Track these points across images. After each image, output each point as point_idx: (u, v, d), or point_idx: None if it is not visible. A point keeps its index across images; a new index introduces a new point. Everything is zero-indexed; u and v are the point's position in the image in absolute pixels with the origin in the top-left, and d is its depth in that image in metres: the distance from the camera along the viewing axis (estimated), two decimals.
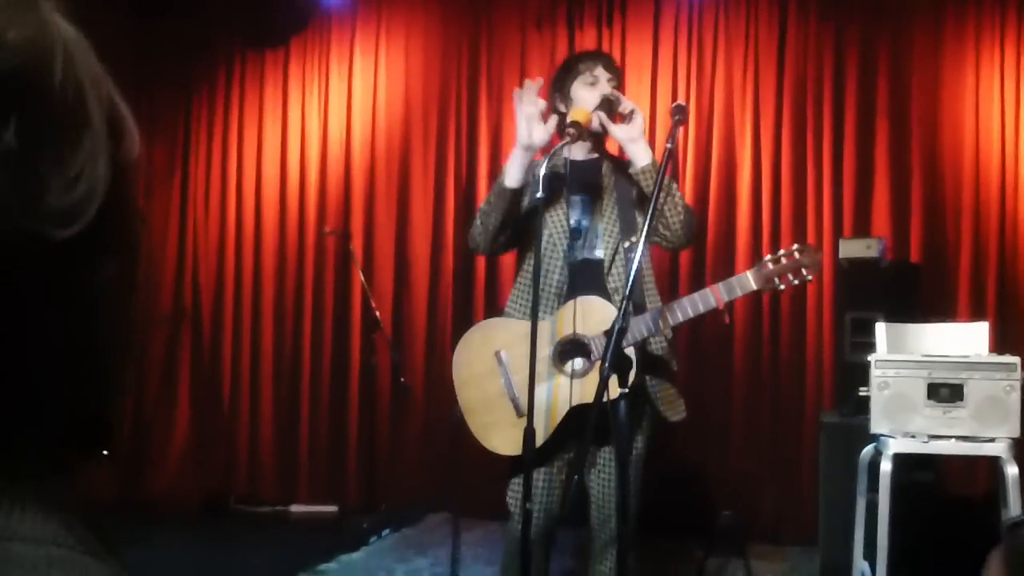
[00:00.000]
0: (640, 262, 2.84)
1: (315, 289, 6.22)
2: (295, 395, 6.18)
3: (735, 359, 5.49)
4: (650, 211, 2.46)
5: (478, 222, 2.94)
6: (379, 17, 6.23)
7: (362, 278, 5.64)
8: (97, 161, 0.56)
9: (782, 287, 2.73)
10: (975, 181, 5.28)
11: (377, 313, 5.44)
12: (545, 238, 2.88)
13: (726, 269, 5.49)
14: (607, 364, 2.30)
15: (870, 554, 3.64)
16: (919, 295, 4.86)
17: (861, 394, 3.74)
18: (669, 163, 2.54)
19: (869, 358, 3.67)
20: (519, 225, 2.93)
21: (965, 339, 3.78)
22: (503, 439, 2.83)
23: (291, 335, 6.23)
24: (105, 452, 0.63)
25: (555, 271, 2.88)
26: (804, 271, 2.71)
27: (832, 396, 5.12)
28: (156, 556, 4.82)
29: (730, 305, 2.76)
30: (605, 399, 2.28)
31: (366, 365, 5.88)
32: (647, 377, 2.84)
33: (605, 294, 2.83)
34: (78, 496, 0.60)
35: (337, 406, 6.12)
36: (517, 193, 2.84)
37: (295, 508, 6.00)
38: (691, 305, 2.71)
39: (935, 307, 4.98)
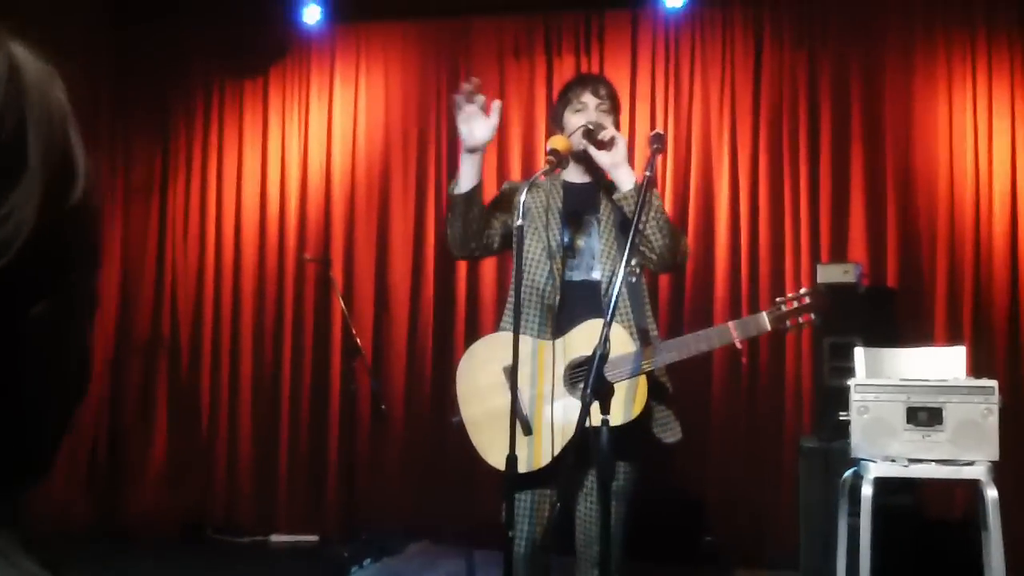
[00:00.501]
0: (634, 287, 2.87)
1: (295, 316, 6.20)
2: (274, 423, 6.14)
3: (714, 384, 5.51)
4: (631, 236, 2.47)
5: (447, 230, 2.99)
6: (358, 45, 6.26)
7: (342, 305, 5.61)
8: (28, 203, 0.55)
9: (791, 329, 2.81)
10: (950, 205, 5.33)
11: (357, 340, 5.42)
12: (534, 256, 2.90)
13: (704, 295, 5.53)
14: (589, 390, 2.32)
15: None
16: (896, 320, 4.90)
17: (841, 418, 3.76)
18: (649, 191, 2.58)
19: (849, 382, 3.70)
20: (501, 231, 2.96)
21: (943, 363, 3.82)
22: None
23: (270, 362, 6.20)
24: (28, 486, 0.62)
25: (545, 289, 2.88)
26: (813, 315, 2.79)
27: (811, 420, 5.14)
28: None
29: (746, 344, 2.82)
30: (587, 424, 2.30)
31: (346, 392, 5.85)
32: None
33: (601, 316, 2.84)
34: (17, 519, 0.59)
35: (317, 434, 6.08)
36: (470, 198, 2.87)
37: (275, 538, 5.95)
38: (706, 341, 2.75)
39: (912, 332, 5.02)
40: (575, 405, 2.72)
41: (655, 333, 2.93)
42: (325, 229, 6.20)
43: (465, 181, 2.87)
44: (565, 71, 5.84)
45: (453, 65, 6.09)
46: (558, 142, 2.75)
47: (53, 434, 0.61)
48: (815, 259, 5.34)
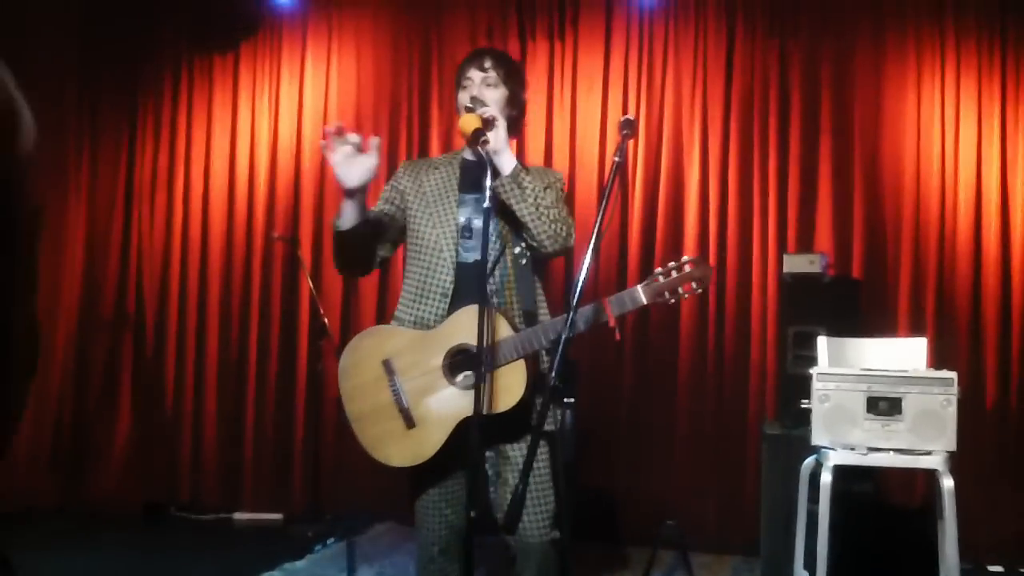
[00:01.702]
0: (523, 269, 2.78)
1: (262, 295, 6.17)
2: (240, 402, 6.12)
3: (679, 369, 5.55)
4: (599, 218, 2.44)
5: (334, 255, 2.89)
6: (330, 24, 6.22)
7: (310, 284, 5.60)
8: None
9: (672, 300, 2.67)
10: (915, 199, 5.39)
11: (325, 320, 5.41)
12: (432, 240, 2.81)
13: None
14: (555, 373, 2.32)
15: (810, 563, 3.70)
16: (860, 310, 4.95)
17: (802, 406, 3.80)
18: (618, 176, 2.54)
19: (811, 371, 3.74)
20: (385, 252, 2.90)
21: (904, 354, 3.87)
22: (396, 451, 2.73)
23: (237, 342, 6.17)
24: None
25: (442, 272, 2.79)
26: (694, 284, 2.67)
27: (774, 408, 5.20)
28: (96, 564, 4.75)
29: (621, 320, 2.70)
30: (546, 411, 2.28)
31: (312, 372, 5.85)
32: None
33: (484, 296, 2.63)
34: None
35: (283, 413, 6.07)
36: (354, 234, 2.73)
37: (238, 516, 5.94)
38: (582, 319, 2.60)
39: (875, 322, 5.08)
40: (455, 394, 2.65)
41: (545, 315, 2.82)
42: (294, 208, 6.17)
43: (347, 220, 2.72)
44: (539, 56, 5.85)
45: (425, 45, 6.07)
46: (472, 121, 2.67)
47: (8, 409, 0.60)
48: (782, 248, 5.38)
